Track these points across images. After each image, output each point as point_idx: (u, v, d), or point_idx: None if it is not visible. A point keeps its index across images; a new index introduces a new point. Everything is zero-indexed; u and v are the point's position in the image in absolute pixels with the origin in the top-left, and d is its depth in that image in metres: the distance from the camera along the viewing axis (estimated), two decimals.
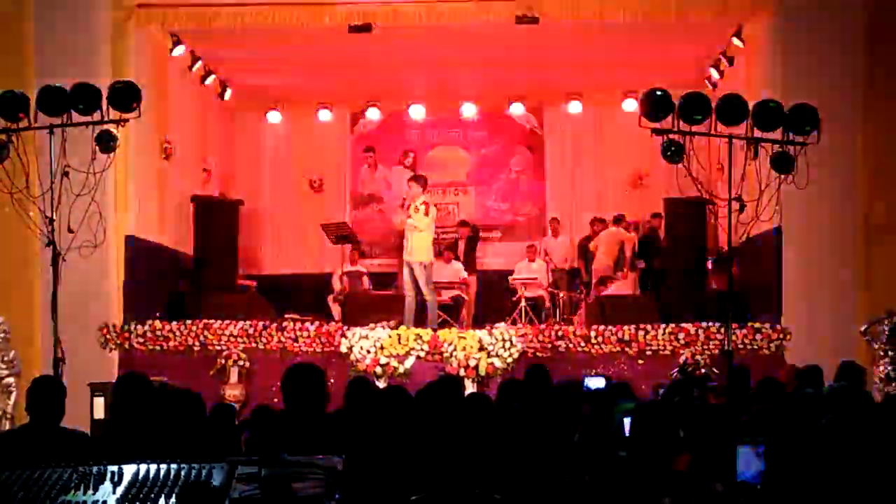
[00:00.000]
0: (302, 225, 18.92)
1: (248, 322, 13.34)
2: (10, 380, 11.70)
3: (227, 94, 17.73)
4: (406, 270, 14.10)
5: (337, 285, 16.70)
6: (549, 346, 12.97)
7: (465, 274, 16.46)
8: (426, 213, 14.00)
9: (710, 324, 12.88)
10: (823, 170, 9.94)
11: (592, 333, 13.02)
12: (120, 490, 3.72)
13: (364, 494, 5.07)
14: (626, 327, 12.99)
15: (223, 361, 13.03)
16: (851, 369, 8.75)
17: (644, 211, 18.06)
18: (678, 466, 4.98)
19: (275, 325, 13.38)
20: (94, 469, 3.82)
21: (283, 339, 13.18)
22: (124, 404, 6.02)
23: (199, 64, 16.02)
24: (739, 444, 5.36)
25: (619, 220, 17.45)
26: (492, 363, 12.55)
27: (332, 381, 11.77)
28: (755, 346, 12.69)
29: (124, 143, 10.68)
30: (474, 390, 11.53)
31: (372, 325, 13.08)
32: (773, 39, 13.45)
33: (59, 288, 8.68)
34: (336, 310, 16.09)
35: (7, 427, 11.31)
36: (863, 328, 12.16)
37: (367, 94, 18.26)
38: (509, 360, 12.62)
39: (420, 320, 13.98)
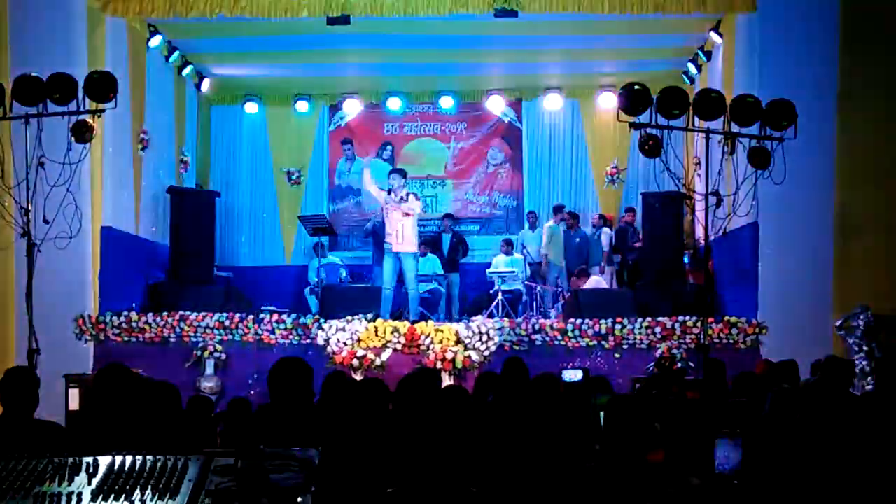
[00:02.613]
0: (279, 217, 18.91)
1: (224, 314, 13.31)
2: None
3: (205, 85, 17.68)
4: (391, 262, 13.98)
5: (314, 277, 16.67)
6: (526, 339, 12.98)
7: (441, 269, 16.47)
8: (417, 199, 14.08)
9: (687, 318, 12.93)
10: (800, 165, 9.97)
11: (569, 327, 13.04)
12: (95, 481, 3.70)
13: (340, 486, 5.06)
14: (602, 321, 13.01)
15: (199, 353, 12.99)
16: (837, 364, 8.78)
17: (620, 205, 18.17)
18: (654, 460, 4.99)
19: (251, 317, 13.35)
20: (69, 460, 3.80)
21: (259, 331, 13.16)
22: (104, 395, 5.99)
23: (176, 54, 15.98)
24: (717, 437, 5.38)
25: (557, 210, 17.57)
26: (468, 356, 12.55)
27: None
28: (731, 341, 12.74)
29: (100, 133, 10.64)
30: (451, 383, 11.55)
31: (349, 317, 13.06)
32: (750, 35, 13.50)
33: (34, 279, 8.63)
34: (313, 302, 16.08)
35: None
36: (838, 323, 12.22)
37: (346, 86, 18.24)
38: (486, 353, 12.63)
39: (396, 312, 13.96)
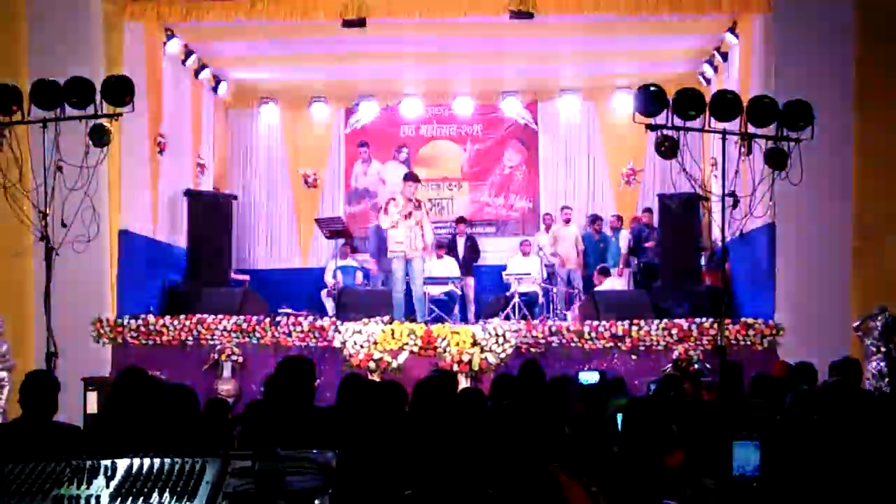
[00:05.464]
0: (296, 220, 18.96)
1: (241, 317, 13.34)
2: (3, 374, 11.70)
3: (221, 88, 17.73)
4: (401, 265, 13.95)
5: (330, 280, 16.70)
6: (543, 341, 12.97)
7: (458, 272, 16.47)
8: (427, 214, 14.07)
9: (704, 319, 12.89)
10: (817, 166, 9.96)
11: (586, 329, 13.02)
12: (113, 484, 3.71)
13: (357, 489, 5.07)
14: (619, 323, 12.99)
15: (216, 356, 13.02)
16: (848, 364, 8.76)
17: (637, 207, 18.14)
18: (671, 462, 4.99)
19: (268, 319, 13.38)
20: (88, 463, 3.81)
21: (276, 333, 13.19)
22: (123, 399, 6.01)
23: (192, 58, 16.01)
24: (735, 439, 5.37)
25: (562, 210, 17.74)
26: (485, 358, 12.54)
27: (322, 377, 11.96)
28: (748, 342, 12.70)
29: (118, 137, 10.70)
30: (468, 385, 11.55)
31: (365, 319, 13.06)
32: (766, 35, 13.47)
33: (53, 282, 8.67)
34: (329, 305, 16.09)
35: (0, 421, 11.29)
36: (855, 324, 12.20)
37: (361, 89, 18.26)
38: (503, 355, 12.60)
39: (410, 315, 13.98)
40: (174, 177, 15.64)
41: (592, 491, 4.68)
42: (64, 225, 8.88)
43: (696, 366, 12.37)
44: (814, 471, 5.42)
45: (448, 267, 16.39)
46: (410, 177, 14.47)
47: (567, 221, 17.43)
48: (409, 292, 14.27)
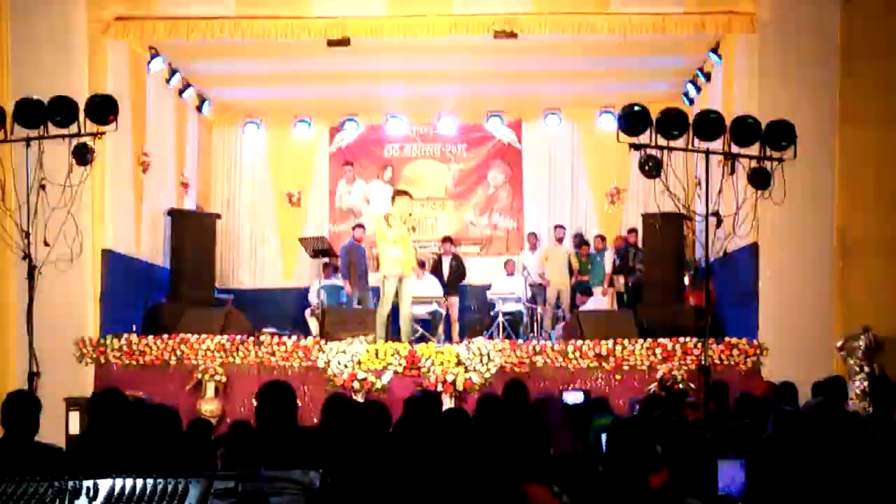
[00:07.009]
0: (279, 239, 18.92)
1: (224, 336, 13.27)
2: None
3: (205, 107, 17.71)
4: (393, 284, 13.88)
5: (314, 299, 16.66)
6: (527, 360, 12.94)
7: (440, 290, 16.45)
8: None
9: (688, 339, 12.89)
10: (800, 185, 10.00)
11: (570, 348, 13.01)
12: None
13: None
14: (603, 342, 12.98)
15: (200, 376, 12.95)
16: (833, 383, 8.78)
17: (621, 226, 18.17)
18: (655, 482, 4.98)
19: (252, 339, 13.31)
20: (70, 484, 3.78)
21: (260, 353, 13.12)
22: (100, 420, 5.98)
23: (176, 77, 15.99)
24: (721, 458, 5.37)
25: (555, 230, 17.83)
26: (469, 378, 12.52)
27: (307, 396, 11.94)
28: (732, 362, 12.70)
29: (101, 155, 10.68)
30: (452, 405, 11.52)
31: (349, 339, 13.03)
32: (749, 56, 13.53)
33: (35, 302, 8.63)
34: (313, 324, 16.05)
35: None
36: (839, 344, 12.21)
37: (346, 108, 18.25)
38: (487, 374, 12.59)
39: (394, 334, 13.95)
40: (157, 195, 15.61)
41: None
42: (47, 244, 8.86)
43: (680, 385, 12.37)
44: (798, 490, 5.42)
45: (431, 286, 16.39)
46: (404, 192, 14.47)
47: (560, 241, 17.49)
48: (393, 311, 14.23)
